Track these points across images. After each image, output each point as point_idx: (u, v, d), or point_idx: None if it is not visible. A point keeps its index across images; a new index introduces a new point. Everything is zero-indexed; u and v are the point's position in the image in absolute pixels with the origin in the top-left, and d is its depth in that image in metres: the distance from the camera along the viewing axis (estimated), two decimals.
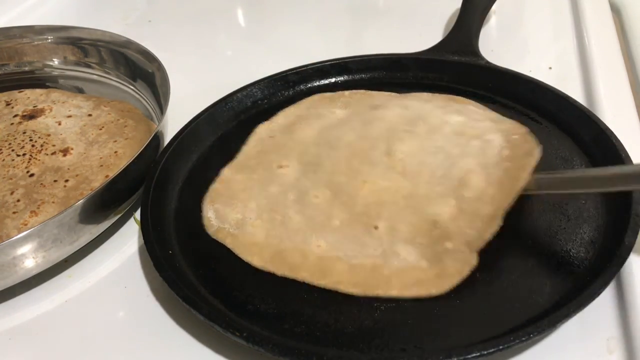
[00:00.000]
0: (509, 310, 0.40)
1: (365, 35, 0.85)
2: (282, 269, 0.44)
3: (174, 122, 0.59)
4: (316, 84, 0.66)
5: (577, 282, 0.41)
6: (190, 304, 0.40)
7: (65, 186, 0.52)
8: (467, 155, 0.49)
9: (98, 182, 0.52)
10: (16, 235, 0.42)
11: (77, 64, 0.73)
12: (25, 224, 0.48)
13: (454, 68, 0.63)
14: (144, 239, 0.46)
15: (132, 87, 0.69)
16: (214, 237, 0.48)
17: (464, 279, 0.42)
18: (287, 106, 0.63)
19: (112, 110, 0.62)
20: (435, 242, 0.44)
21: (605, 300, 0.41)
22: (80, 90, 0.71)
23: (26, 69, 0.75)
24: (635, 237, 0.41)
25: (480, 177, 0.47)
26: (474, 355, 0.35)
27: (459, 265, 0.43)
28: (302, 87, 0.65)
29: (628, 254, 0.40)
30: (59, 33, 0.73)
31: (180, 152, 0.56)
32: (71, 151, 0.56)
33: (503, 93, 0.60)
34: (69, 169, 0.54)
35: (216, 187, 0.53)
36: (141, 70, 0.67)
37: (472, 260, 0.43)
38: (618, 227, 0.43)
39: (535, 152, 0.48)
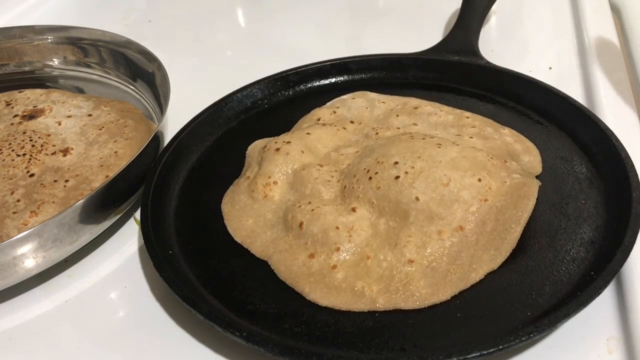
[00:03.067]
0: (509, 310, 0.40)
1: (365, 35, 0.85)
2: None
3: (174, 122, 0.59)
4: (316, 84, 0.66)
5: (577, 282, 0.41)
6: (190, 304, 0.40)
7: (65, 186, 0.52)
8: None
9: (98, 182, 0.52)
10: (16, 235, 0.43)
11: (77, 64, 0.73)
12: (25, 224, 0.48)
13: (454, 68, 0.63)
14: (144, 239, 0.46)
15: (132, 87, 0.69)
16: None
17: None
18: (287, 106, 0.63)
19: (112, 110, 0.61)
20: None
21: (605, 300, 0.41)
22: (80, 90, 0.71)
23: (26, 69, 0.75)
24: (635, 237, 0.41)
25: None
26: (474, 355, 0.35)
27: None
28: (302, 87, 0.65)
29: (628, 254, 0.40)
30: (59, 33, 0.74)
31: (180, 152, 0.56)
32: (71, 151, 0.56)
33: (503, 93, 0.60)
34: (69, 169, 0.54)
35: None
36: (141, 70, 0.67)
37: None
38: (618, 227, 0.43)
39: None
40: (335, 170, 0.51)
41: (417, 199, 0.45)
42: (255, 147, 0.56)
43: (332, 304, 0.42)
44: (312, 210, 0.47)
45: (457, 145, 0.49)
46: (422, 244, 0.43)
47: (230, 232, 0.49)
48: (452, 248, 0.43)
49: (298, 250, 0.45)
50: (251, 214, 0.50)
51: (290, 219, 0.47)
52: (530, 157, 0.52)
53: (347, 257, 0.44)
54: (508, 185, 0.46)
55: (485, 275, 0.43)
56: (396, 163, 0.47)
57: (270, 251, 0.46)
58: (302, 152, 0.52)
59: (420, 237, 0.44)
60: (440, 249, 0.43)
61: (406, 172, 0.46)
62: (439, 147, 0.48)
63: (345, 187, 0.49)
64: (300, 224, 0.46)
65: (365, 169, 0.48)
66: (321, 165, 0.51)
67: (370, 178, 0.47)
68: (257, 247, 0.47)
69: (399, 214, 0.45)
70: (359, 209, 0.46)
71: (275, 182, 0.51)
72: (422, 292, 0.41)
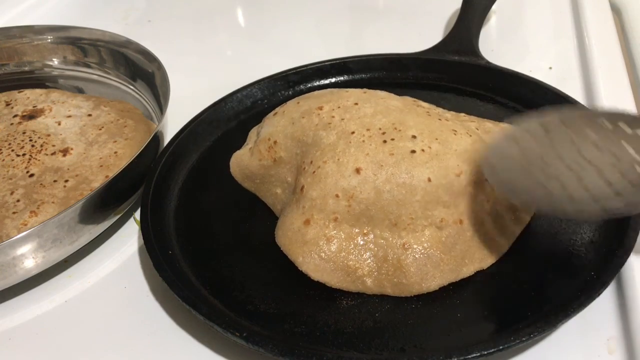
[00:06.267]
0: (509, 310, 0.40)
1: (365, 35, 0.85)
2: None
3: (174, 122, 0.58)
4: (316, 83, 0.65)
5: (577, 282, 0.41)
6: (190, 304, 0.40)
7: (65, 186, 0.52)
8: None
9: (98, 182, 0.52)
10: (16, 236, 0.42)
11: (77, 64, 0.73)
12: (25, 224, 0.48)
13: (454, 68, 0.63)
14: (144, 239, 0.46)
15: (132, 87, 0.69)
16: None
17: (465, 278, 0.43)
18: None
19: (111, 110, 0.61)
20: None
21: (605, 300, 0.41)
22: (80, 90, 0.71)
23: (26, 69, 0.75)
24: (636, 237, 0.41)
25: None
26: (474, 355, 0.35)
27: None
28: (302, 87, 0.65)
29: (628, 254, 0.40)
30: (58, 33, 0.73)
31: (180, 152, 0.56)
32: (71, 151, 0.56)
33: (503, 93, 0.60)
34: (68, 169, 0.54)
35: None
36: (141, 70, 0.67)
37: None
38: (618, 227, 0.43)
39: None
40: (339, 107, 0.49)
41: (429, 179, 0.44)
42: (255, 127, 0.56)
43: (323, 279, 0.42)
44: (314, 172, 0.45)
45: (470, 136, 0.47)
46: (422, 228, 0.43)
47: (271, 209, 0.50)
48: (449, 239, 0.43)
49: (296, 214, 0.45)
50: (274, 182, 0.49)
51: (295, 182, 0.47)
52: None
53: (344, 229, 0.44)
54: None
55: (486, 277, 0.43)
56: (414, 137, 0.45)
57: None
58: (298, 102, 0.51)
59: (422, 221, 0.43)
60: (437, 237, 0.43)
61: (422, 150, 0.44)
62: (455, 134, 0.47)
63: (353, 132, 0.46)
64: (302, 188, 0.45)
65: (380, 128, 0.46)
66: (321, 108, 0.49)
67: (385, 141, 0.45)
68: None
69: (407, 187, 0.43)
70: (363, 171, 0.44)
71: (275, 142, 0.49)
72: (410, 280, 0.42)
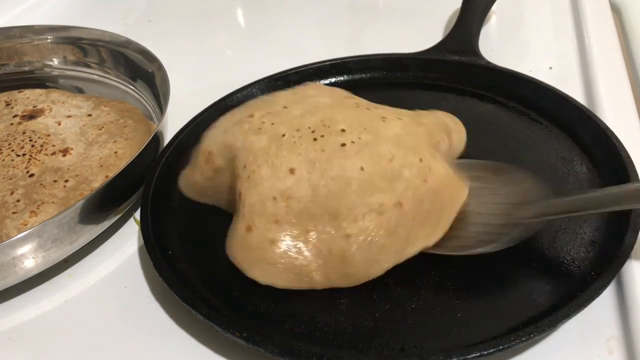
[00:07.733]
0: (509, 310, 0.40)
1: (365, 35, 0.85)
2: None
3: (174, 122, 0.59)
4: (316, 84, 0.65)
5: (577, 282, 0.41)
6: (190, 304, 0.41)
7: (65, 186, 0.52)
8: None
9: (98, 182, 0.52)
10: (16, 236, 0.42)
11: (77, 63, 0.73)
12: (25, 224, 0.48)
13: (454, 68, 0.63)
14: (144, 239, 0.46)
15: (132, 87, 0.69)
16: None
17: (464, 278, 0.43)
18: None
19: (111, 110, 0.61)
20: None
21: (605, 300, 0.41)
22: (80, 90, 0.71)
23: (26, 69, 0.75)
24: (636, 237, 0.41)
25: None
26: (474, 355, 0.35)
27: None
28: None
29: (628, 254, 0.40)
30: (58, 33, 0.73)
31: (180, 152, 0.56)
32: (71, 151, 0.56)
33: (503, 93, 0.60)
34: (68, 169, 0.54)
35: None
36: (141, 70, 0.67)
37: None
38: (618, 227, 0.43)
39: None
40: (269, 113, 0.49)
41: (362, 168, 0.43)
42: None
43: (272, 282, 0.42)
44: (249, 177, 0.45)
45: (401, 119, 0.48)
46: (362, 216, 0.42)
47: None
48: (390, 222, 0.43)
49: (239, 222, 0.44)
50: (223, 190, 0.49)
51: (235, 188, 0.46)
52: (460, 135, 0.52)
53: (287, 229, 0.43)
54: (446, 173, 0.46)
55: (486, 277, 0.43)
56: (343, 130, 0.45)
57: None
58: (232, 114, 0.51)
59: (361, 210, 0.43)
60: (378, 222, 0.42)
61: (352, 142, 0.44)
62: (384, 121, 0.47)
63: (284, 135, 0.46)
64: (240, 194, 0.45)
65: (310, 127, 0.46)
66: (251, 116, 0.49)
67: (315, 139, 0.45)
68: None
69: (341, 179, 0.43)
70: (297, 170, 0.44)
71: (210, 152, 0.49)
72: (356, 268, 0.42)
